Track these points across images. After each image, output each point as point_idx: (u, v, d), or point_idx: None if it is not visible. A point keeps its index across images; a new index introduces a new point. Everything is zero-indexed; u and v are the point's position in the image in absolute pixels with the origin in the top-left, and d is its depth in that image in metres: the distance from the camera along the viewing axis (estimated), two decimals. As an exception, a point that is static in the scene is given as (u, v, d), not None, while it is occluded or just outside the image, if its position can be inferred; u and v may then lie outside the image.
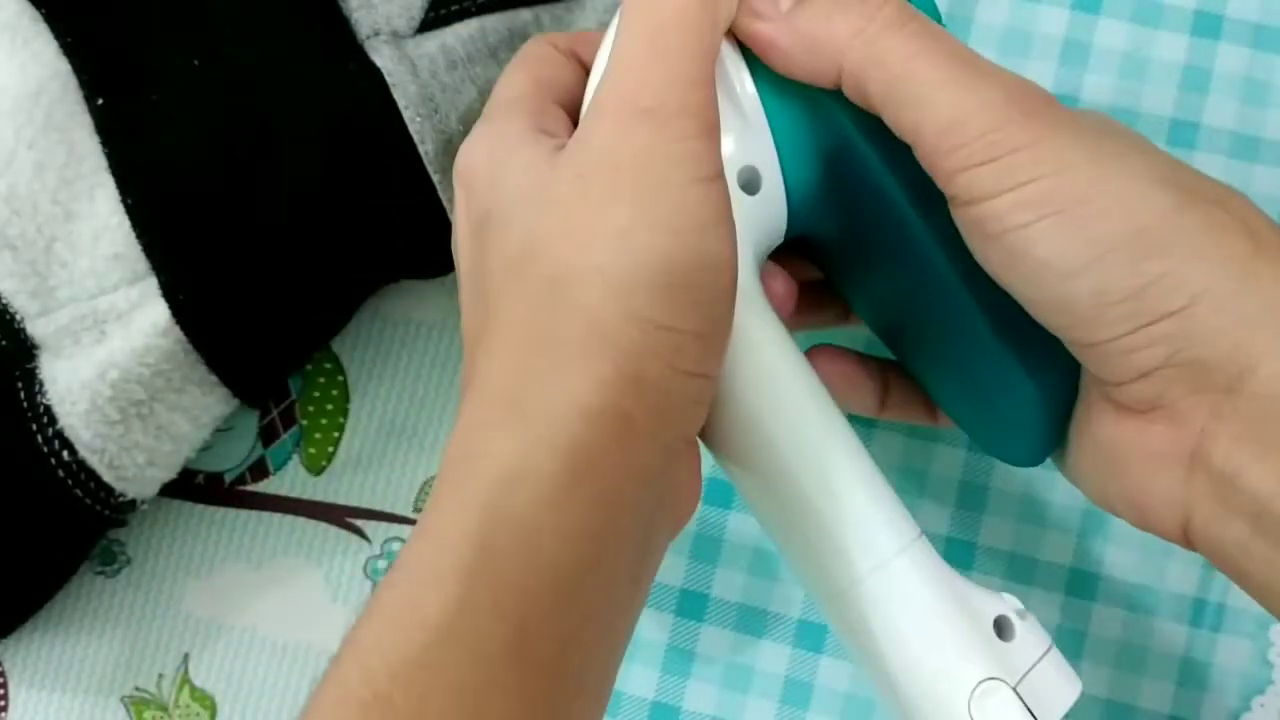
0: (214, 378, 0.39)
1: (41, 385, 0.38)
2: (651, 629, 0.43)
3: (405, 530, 0.44)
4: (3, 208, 0.38)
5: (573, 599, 0.28)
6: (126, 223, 0.38)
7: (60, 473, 0.38)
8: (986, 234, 0.30)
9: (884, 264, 0.34)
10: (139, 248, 0.38)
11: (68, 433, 0.38)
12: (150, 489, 0.41)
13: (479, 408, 0.30)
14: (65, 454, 0.38)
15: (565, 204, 0.30)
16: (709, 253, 0.29)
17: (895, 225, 0.32)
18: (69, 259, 0.38)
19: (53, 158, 0.38)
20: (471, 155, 0.33)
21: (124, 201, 0.38)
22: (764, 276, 0.34)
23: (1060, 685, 0.32)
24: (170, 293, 0.38)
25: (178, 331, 0.38)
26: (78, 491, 0.39)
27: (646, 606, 0.43)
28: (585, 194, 0.29)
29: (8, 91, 0.38)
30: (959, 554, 0.42)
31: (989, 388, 0.34)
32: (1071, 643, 0.42)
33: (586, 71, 0.34)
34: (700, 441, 0.33)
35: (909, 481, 0.42)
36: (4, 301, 0.38)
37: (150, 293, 0.38)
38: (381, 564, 0.44)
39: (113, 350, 0.38)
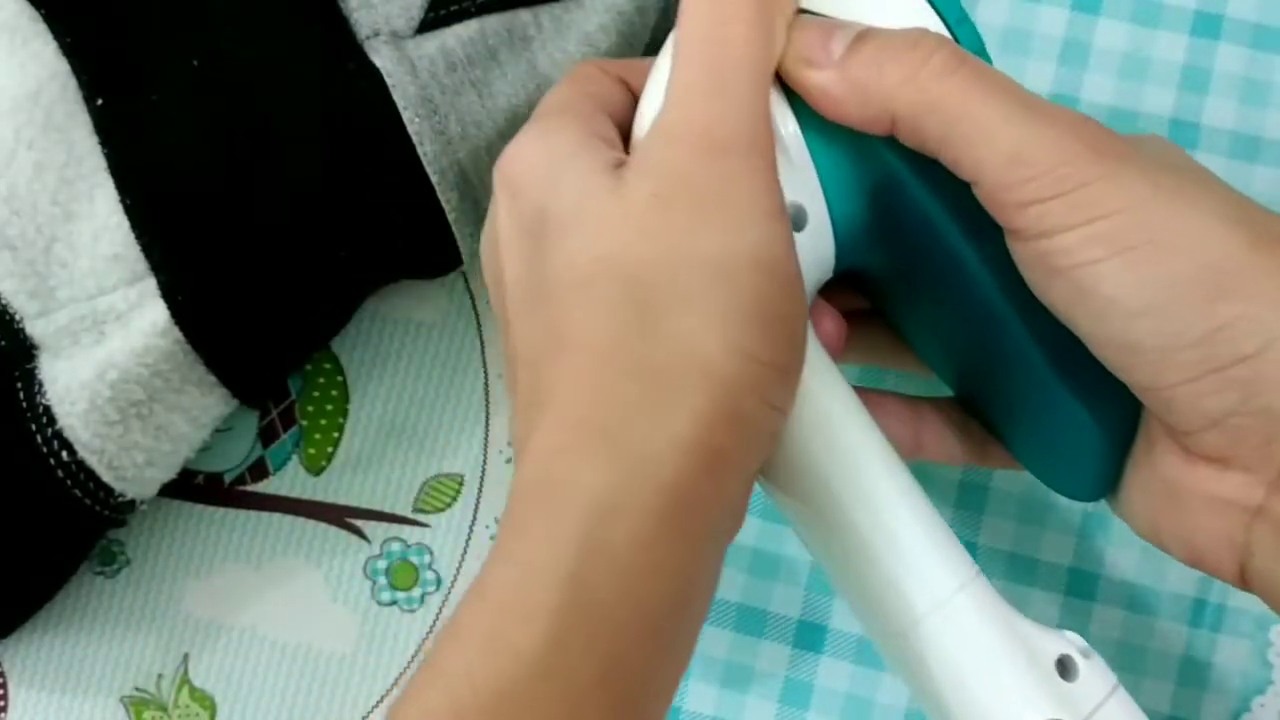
0: (213, 378, 0.39)
1: (41, 385, 0.38)
2: (651, 629, 0.43)
3: (405, 530, 0.44)
4: (2, 208, 0.38)
5: (658, 633, 0.28)
6: (126, 223, 0.38)
7: (59, 473, 0.38)
8: (1052, 268, 0.29)
9: (937, 297, 0.34)
10: (138, 248, 0.38)
11: (67, 433, 0.38)
12: (150, 489, 0.41)
13: (560, 432, 0.29)
14: (64, 454, 0.38)
15: (646, 224, 0.29)
16: (792, 285, 0.29)
17: (947, 259, 0.32)
18: (68, 259, 0.38)
19: (52, 158, 0.38)
20: (522, 155, 0.32)
21: (123, 202, 0.38)
22: (813, 314, 0.33)
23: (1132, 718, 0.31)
24: (169, 293, 0.38)
25: (177, 332, 0.38)
26: (77, 492, 0.39)
27: (646, 607, 0.43)
28: (668, 217, 0.29)
29: (7, 92, 0.38)
30: (959, 554, 0.42)
31: (1047, 423, 0.33)
32: (1071, 643, 0.42)
33: (634, 97, 0.34)
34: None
35: (909, 482, 0.42)
36: (3, 302, 0.38)
37: (149, 293, 0.38)
38: (381, 564, 0.44)
39: (112, 350, 0.38)
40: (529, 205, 0.31)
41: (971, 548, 0.42)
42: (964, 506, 0.42)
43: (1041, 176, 0.29)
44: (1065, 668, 0.31)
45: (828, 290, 0.34)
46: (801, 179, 0.32)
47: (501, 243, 0.32)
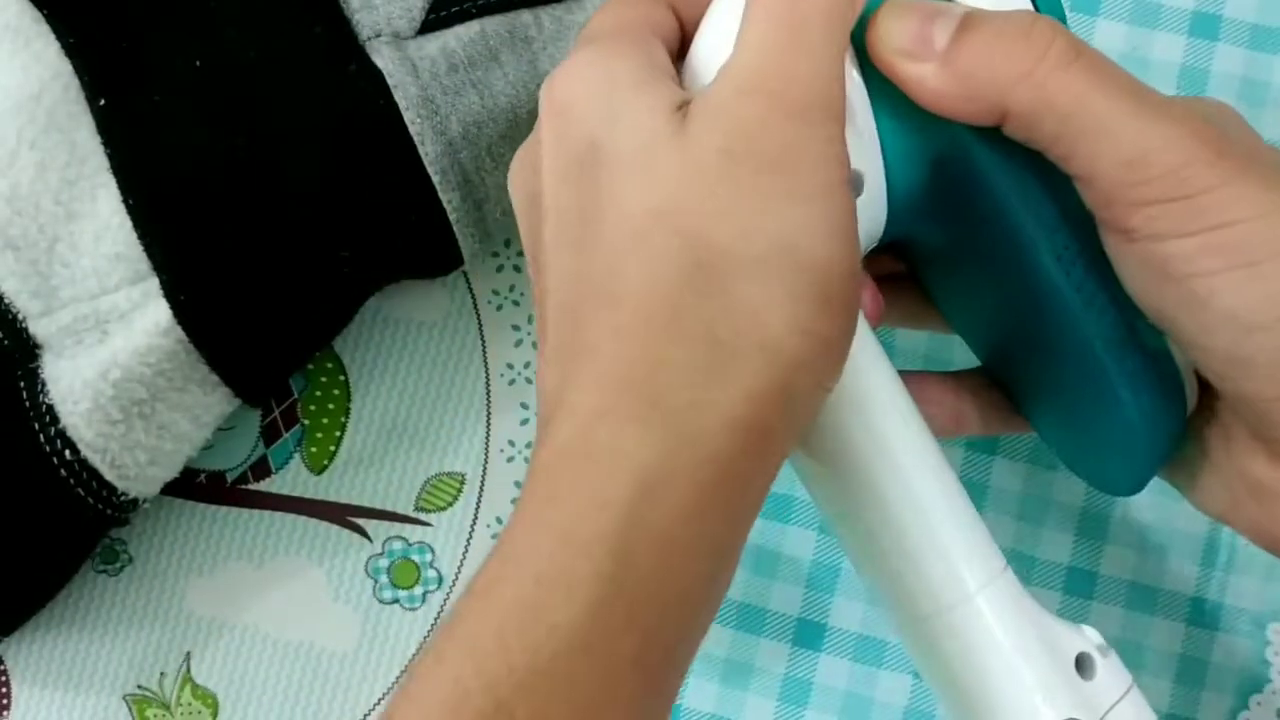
0: (215, 377, 0.40)
1: (44, 385, 0.38)
2: (651, 627, 0.43)
3: (406, 529, 0.44)
4: (5, 208, 0.38)
5: (692, 609, 0.28)
6: (128, 222, 0.38)
7: (63, 472, 0.38)
8: (1166, 274, 0.28)
9: (989, 276, 0.33)
10: (140, 247, 0.38)
11: (70, 432, 0.38)
12: (152, 488, 0.41)
13: (603, 392, 0.27)
14: (67, 453, 0.38)
15: (714, 180, 0.27)
16: (854, 259, 0.28)
17: (1009, 241, 0.31)
18: (71, 259, 0.38)
19: (55, 158, 0.38)
20: (576, 79, 0.29)
21: (125, 201, 0.38)
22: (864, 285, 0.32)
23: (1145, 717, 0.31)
24: (172, 292, 0.38)
25: (179, 331, 0.38)
26: (80, 491, 0.39)
27: (647, 605, 0.43)
28: (737, 176, 0.27)
29: (10, 92, 0.39)
30: (958, 552, 0.42)
31: (1091, 413, 0.32)
32: (1070, 641, 0.42)
33: (681, 27, 0.32)
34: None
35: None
36: (6, 301, 0.38)
37: (152, 292, 0.38)
38: (383, 562, 0.44)
39: (115, 350, 0.38)
40: (581, 136, 0.29)
41: (970, 546, 0.42)
42: (963, 505, 0.42)
43: (1162, 178, 0.27)
44: (1083, 665, 0.31)
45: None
46: (863, 145, 0.31)
47: (546, 169, 0.30)
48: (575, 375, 0.28)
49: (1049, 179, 0.29)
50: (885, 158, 0.31)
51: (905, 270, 0.36)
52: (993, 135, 0.29)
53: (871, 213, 0.31)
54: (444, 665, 0.26)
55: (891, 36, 0.29)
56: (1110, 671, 0.31)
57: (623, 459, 0.27)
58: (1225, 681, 0.42)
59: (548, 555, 0.27)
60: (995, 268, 0.32)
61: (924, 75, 0.29)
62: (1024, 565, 0.42)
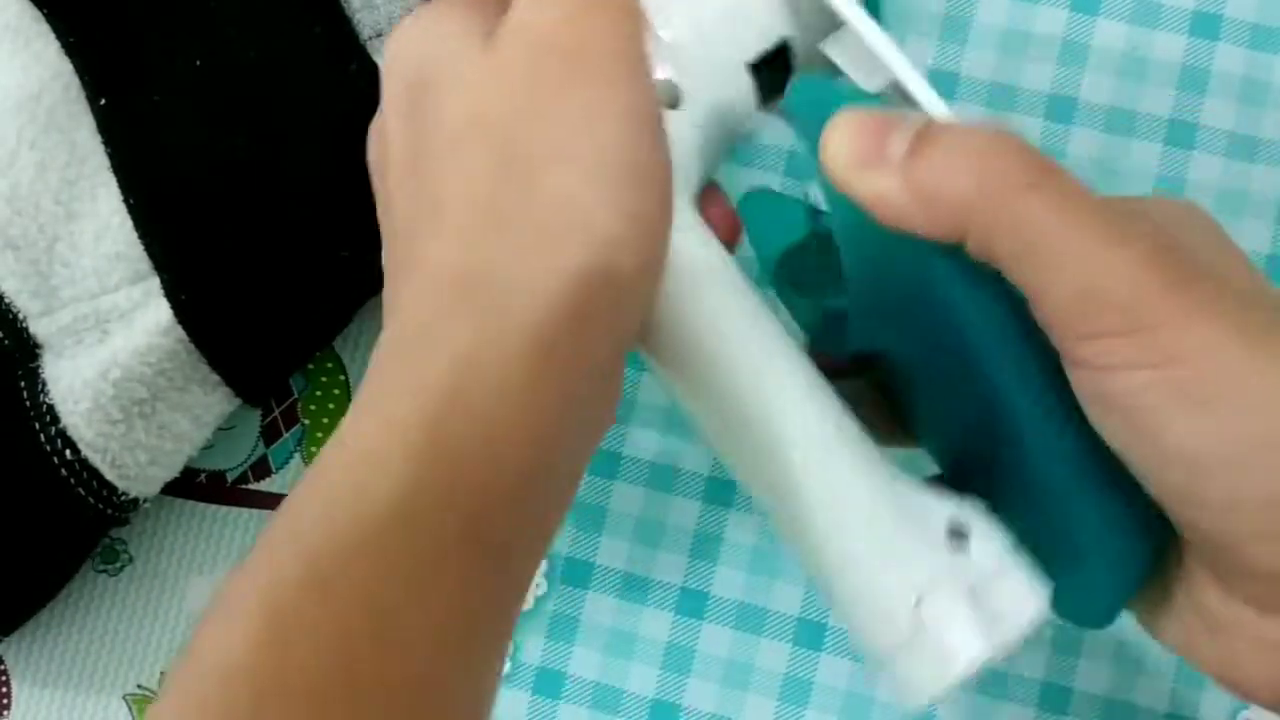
0: (216, 377, 0.40)
1: (44, 384, 0.38)
2: (651, 627, 0.43)
3: (406, 529, 0.44)
4: (5, 207, 0.38)
5: (521, 493, 0.28)
6: (129, 222, 0.38)
7: (63, 472, 0.38)
8: (1117, 405, 0.27)
9: (951, 391, 0.32)
10: (141, 247, 0.38)
11: (70, 432, 0.38)
12: (152, 488, 0.41)
13: (430, 292, 0.28)
14: (68, 453, 0.38)
15: (517, 80, 0.29)
16: (658, 137, 0.29)
17: (969, 357, 0.30)
18: (71, 258, 0.38)
19: (55, 157, 0.38)
20: (405, 35, 0.31)
21: (126, 201, 0.38)
22: (703, 200, 0.33)
23: (1019, 598, 0.30)
24: (172, 292, 0.38)
25: (180, 331, 0.38)
26: (80, 490, 0.39)
27: (646, 604, 0.43)
28: (538, 73, 0.29)
29: (10, 92, 0.39)
30: (958, 552, 0.42)
31: (1057, 537, 0.31)
32: (1069, 640, 0.42)
33: None
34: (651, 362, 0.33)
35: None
36: (6, 301, 0.38)
37: (152, 292, 0.38)
38: (383, 562, 0.44)
39: (115, 349, 0.38)
40: (411, 73, 0.30)
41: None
42: (963, 505, 0.42)
43: (1113, 311, 0.26)
44: (958, 533, 0.30)
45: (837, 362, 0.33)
46: (683, 61, 0.32)
47: (388, 118, 0.31)
48: (406, 283, 0.29)
49: (1015, 297, 0.28)
50: (847, 268, 0.31)
51: (871, 385, 0.35)
52: (954, 249, 0.28)
53: (693, 128, 0.32)
54: (269, 549, 0.27)
55: (846, 146, 0.29)
56: (987, 539, 0.30)
57: (441, 343, 0.27)
58: (1225, 681, 0.42)
59: (369, 435, 0.27)
60: (959, 386, 0.31)
61: (884, 191, 0.28)
62: (1024, 565, 0.42)
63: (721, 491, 0.43)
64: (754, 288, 0.32)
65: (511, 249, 0.28)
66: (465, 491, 0.27)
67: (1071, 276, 0.27)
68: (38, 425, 0.38)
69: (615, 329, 0.29)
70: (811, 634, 0.43)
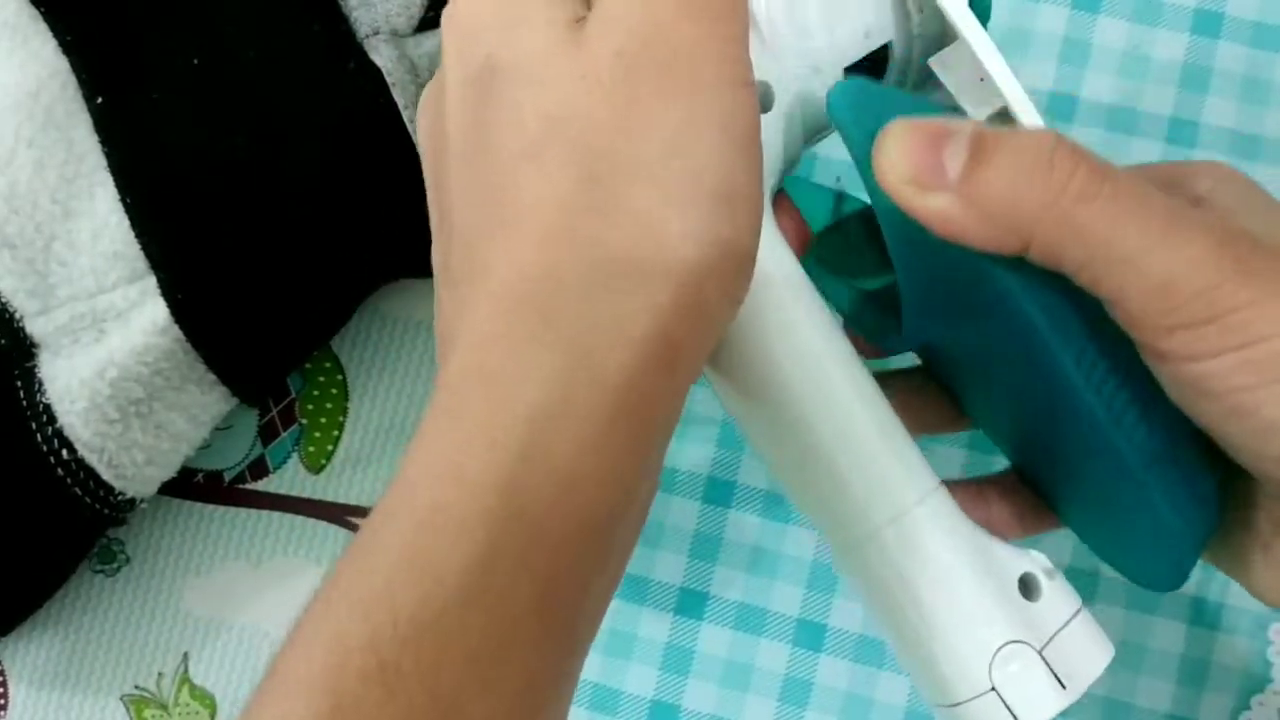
0: (213, 376, 0.39)
1: (41, 384, 0.38)
2: (651, 627, 0.43)
3: (405, 529, 0.44)
4: (2, 206, 0.38)
5: (600, 546, 0.26)
6: (126, 221, 0.38)
7: (59, 471, 0.38)
8: (1204, 391, 0.28)
9: (1013, 384, 0.32)
10: (138, 246, 0.38)
11: (67, 431, 0.38)
12: (149, 488, 0.41)
13: (498, 316, 0.26)
14: (65, 453, 0.38)
15: (607, 85, 0.26)
16: (754, 159, 0.27)
17: (1033, 353, 0.30)
18: (68, 257, 0.38)
19: (52, 156, 0.38)
20: (472, 4, 0.28)
21: (123, 200, 0.38)
22: (776, 207, 0.32)
23: (1090, 649, 0.31)
24: (169, 291, 0.38)
25: (177, 330, 0.38)
26: (77, 490, 0.39)
27: (645, 605, 0.43)
28: (631, 79, 0.26)
29: (7, 89, 0.38)
30: (958, 552, 0.42)
31: (1126, 519, 0.32)
32: (1071, 641, 0.42)
33: None
34: (711, 381, 0.31)
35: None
36: (3, 300, 0.38)
37: (149, 291, 0.38)
38: (381, 562, 0.44)
39: (112, 349, 0.38)
40: (480, 52, 0.28)
41: (971, 546, 0.42)
42: (964, 505, 0.42)
43: (1190, 303, 0.27)
44: (1029, 587, 0.30)
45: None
46: (774, 60, 0.30)
47: (448, 95, 0.29)
48: (471, 300, 0.27)
49: (1075, 296, 0.29)
50: (900, 265, 0.30)
51: (926, 377, 0.36)
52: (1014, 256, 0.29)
53: (786, 129, 0.31)
54: (327, 619, 0.25)
55: (899, 162, 0.28)
56: (1057, 593, 0.31)
57: (517, 386, 0.25)
58: (1227, 682, 0.41)
59: (438, 492, 0.25)
60: (1019, 378, 0.31)
61: (941, 209, 0.28)
62: (1025, 565, 0.42)
63: (721, 492, 0.43)
64: (826, 304, 0.31)
65: (592, 278, 0.26)
66: (540, 555, 0.25)
67: (1146, 276, 0.27)
68: (34, 425, 0.38)
69: (698, 359, 0.27)
70: (811, 635, 0.43)
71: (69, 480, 0.38)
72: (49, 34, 0.39)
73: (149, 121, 0.39)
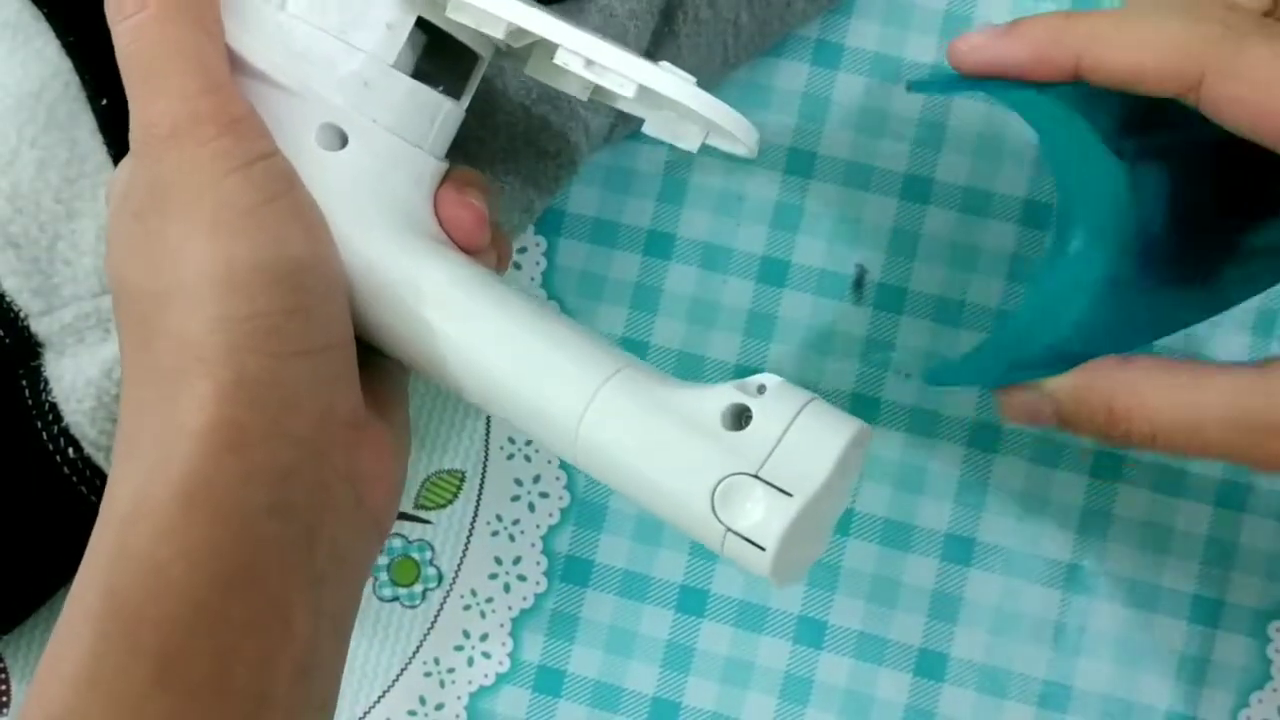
0: (217, 375, 0.40)
1: (46, 383, 0.38)
2: (651, 625, 0.43)
3: (406, 526, 0.44)
4: (5, 206, 0.38)
5: (217, 617, 0.28)
6: (129, 221, 0.38)
7: (65, 470, 0.38)
8: None
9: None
10: (142, 246, 0.38)
11: (73, 430, 0.38)
12: (153, 486, 0.41)
13: (115, 454, 0.31)
14: (70, 451, 0.38)
15: (130, 243, 0.30)
16: (268, 229, 0.30)
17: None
18: (72, 257, 0.38)
19: (55, 156, 0.38)
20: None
21: (127, 200, 0.38)
22: (442, 205, 0.34)
23: (821, 439, 0.30)
24: (173, 291, 0.38)
25: (181, 329, 0.38)
26: (82, 489, 0.39)
27: (646, 602, 0.43)
28: (144, 227, 0.30)
29: (10, 90, 0.39)
30: (958, 550, 0.42)
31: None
32: (1070, 638, 0.42)
33: None
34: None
35: (908, 478, 0.42)
36: (8, 300, 0.38)
37: (153, 291, 0.38)
38: (382, 559, 0.44)
39: (118, 348, 0.38)
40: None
41: (970, 543, 0.42)
42: (963, 503, 0.42)
43: None
44: (737, 416, 0.30)
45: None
46: (320, 101, 0.32)
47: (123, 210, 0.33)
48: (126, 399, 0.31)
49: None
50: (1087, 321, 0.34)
51: None
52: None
53: (371, 163, 0.32)
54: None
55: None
56: (772, 403, 0.30)
57: (110, 504, 0.30)
58: (1227, 679, 0.42)
59: (63, 613, 0.29)
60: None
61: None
62: (1025, 562, 0.42)
63: (722, 490, 0.43)
64: (478, 270, 0.33)
65: (153, 397, 0.29)
66: (148, 635, 0.28)
67: None
68: (40, 424, 0.38)
69: (279, 426, 0.30)
70: (812, 632, 0.43)
71: (74, 479, 0.39)
72: (51, 35, 0.39)
73: (152, 121, 0.39)
